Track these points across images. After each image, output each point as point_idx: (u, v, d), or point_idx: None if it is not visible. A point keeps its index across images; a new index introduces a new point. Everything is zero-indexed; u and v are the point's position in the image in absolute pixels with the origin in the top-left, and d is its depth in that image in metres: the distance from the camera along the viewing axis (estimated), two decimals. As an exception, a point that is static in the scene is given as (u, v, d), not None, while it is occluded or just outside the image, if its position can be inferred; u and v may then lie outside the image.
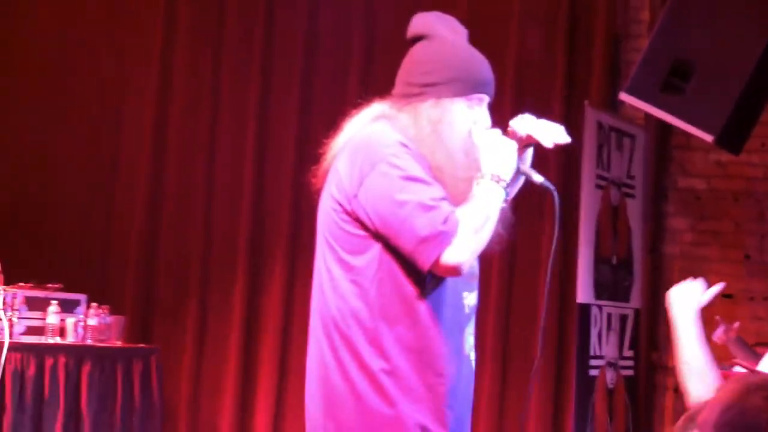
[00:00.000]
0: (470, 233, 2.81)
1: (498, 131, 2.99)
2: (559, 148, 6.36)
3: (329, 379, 2.89)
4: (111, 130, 7.38)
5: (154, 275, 7.19)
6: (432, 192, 2.81)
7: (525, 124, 3.02)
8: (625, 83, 5.19)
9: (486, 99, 3.02)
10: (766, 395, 1.91)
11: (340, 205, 2.88)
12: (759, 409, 1.89)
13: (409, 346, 2.85)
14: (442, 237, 2.78)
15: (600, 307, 6.02)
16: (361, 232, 2.86)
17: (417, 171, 2.83)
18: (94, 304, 6.26)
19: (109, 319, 6.28)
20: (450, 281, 2.92)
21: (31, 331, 6.04)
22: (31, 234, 7.31)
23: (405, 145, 2.86)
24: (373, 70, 6.80)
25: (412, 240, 2.78)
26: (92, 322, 6.19)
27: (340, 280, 2.88)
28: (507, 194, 2.94)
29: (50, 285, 6.21)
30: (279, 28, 7.13)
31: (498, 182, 2.90)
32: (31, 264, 6.78)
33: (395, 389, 2.84)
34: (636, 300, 6.41)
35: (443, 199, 2.82)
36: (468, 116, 2.96)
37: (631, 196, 6.36)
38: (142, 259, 7.17)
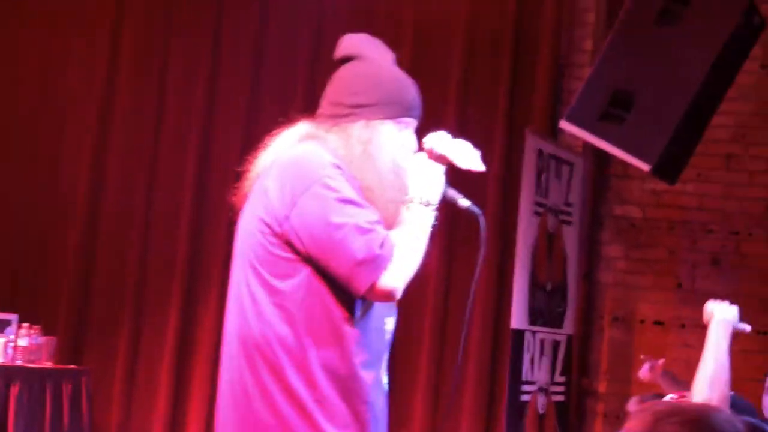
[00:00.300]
0: (404, 258, 2.79)
1: (424, 155, 2.95)
2: (499, 176, 6.43)
3: (251, 407, 2.80)
4: (50, 146, 7.28)
5: (88, 296, 7.10)
6: (367, 215, 2.77)
7: (442, 142, 2.97)
8: (566, 111, 5.24)
9: (413, 123, 2.99)
10: (674, 422, 1.91)
11: (269, 226, 2.81)
12: None
13: (336, 372, 2.80)
14: (379, 261, 2.74)
15: (533, 332, 6.04)
16: (290, 255, 2.79)
17: (351, 193, 2.79)
18: (25, 324, 6.17)
19: (41, 339, 6.19)
20: (375, 307, 2.88)
21: (-41, 351, 5.94)
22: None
23: (338, 167, 2.81)
24: (320, 90, 6.79)
25: (347, 263, 2.74)
26: (23, 342, 6.10)
27: (264, 304, 2.81)
28: (435, 219, 2.91)
29: (-20, 305, 6.13)
30: (225, 49, 7.11)
31: (427, 206, 2.88)
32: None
33: (322, 418, 2.78)
34: (569, 326, 6.45)
35: (378, 222, 2.79)
36: (396, 139, 2.93)
37: (568, 223, 6.41)
38: (76, 279, 7.08)
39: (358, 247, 2.73)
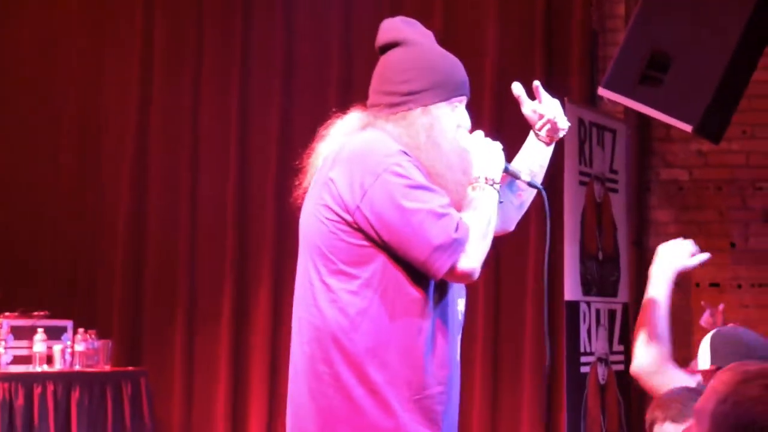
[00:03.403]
0: (479, 238, 2.82)
1: (481, 133, 2.98)
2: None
3: (325, 394, 2.82)
4: (93, 156, 7.33)
5: (140, 297, 7.14)
6: (440, 199, 2.80)
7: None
8: (603, 78, 5.19)
9: (465, 100, 3.01)
10: (762, 384, 1.87)
11: (339, 216, 2.82)
12: (754, 399, 1.86)
13: (412, 354, 2.81)
14: (456, 244, 2.77)
15: (588, 303, 6.02)
16: (364, 242, 2.81)
17: (421, 179, 2.81)
18: (80, 330, 6.22)
19: (97, 343, 6.25)
20: (449, 289, 2.90)
21: (18, 360, 6.02)
22: (16, 262, 7.25)
23: (405, 153, 2.83)
24: (352, 80, 6.81)
25: (425, 249, 2.76)
26: (79, 347, 6.16)
27: (340, 292, 2.82)
28: (499, 195, 2.94)
29: (36, 312, 6.18)
30: (256, 46, 7.13)
31: (492, 184, 2.90)
32: (16, 292, 6.73)
33: (395, 400, 2.80)
34: (624, 294, 6.41)
35: (449, 205, 2.81)
36: (453, 120, 2.96)
37: (615, 190, 6.37)
38: (127, 281, 7.12)
39: (435, 232, 2.76)
